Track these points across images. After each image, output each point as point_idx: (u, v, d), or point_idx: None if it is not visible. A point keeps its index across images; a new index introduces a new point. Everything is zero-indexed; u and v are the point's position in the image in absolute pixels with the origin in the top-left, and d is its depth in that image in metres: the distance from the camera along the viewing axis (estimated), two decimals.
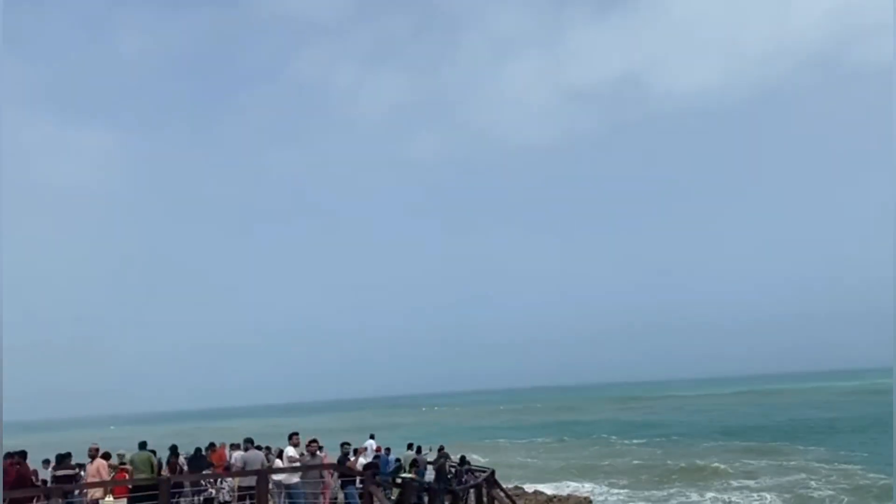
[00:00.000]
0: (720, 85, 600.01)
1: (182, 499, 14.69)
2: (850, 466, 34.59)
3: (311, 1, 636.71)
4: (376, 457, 18.12)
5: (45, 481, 14.37)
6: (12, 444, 14.81)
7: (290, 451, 14.35)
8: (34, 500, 12.99)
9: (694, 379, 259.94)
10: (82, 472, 15.25)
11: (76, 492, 13.33)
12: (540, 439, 61.24)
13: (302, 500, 13.68)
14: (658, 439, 53.88)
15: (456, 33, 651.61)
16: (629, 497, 31.69)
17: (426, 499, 16.25)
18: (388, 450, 19.26)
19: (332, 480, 14.74)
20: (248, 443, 16.17)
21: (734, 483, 32.79)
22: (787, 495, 29.52)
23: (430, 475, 18.75)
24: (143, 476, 14.07)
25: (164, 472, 15.22)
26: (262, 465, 14.37)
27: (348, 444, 16.87)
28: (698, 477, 34.94)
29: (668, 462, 40.51)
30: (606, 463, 42.69)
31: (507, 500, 20.40)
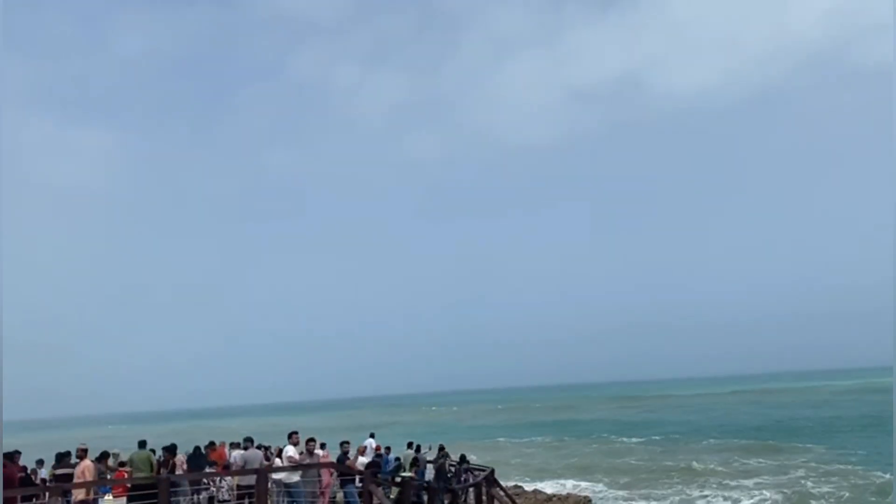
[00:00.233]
0: (720, 85, 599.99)
1: (182, 498, 14.67)
2: (848, 466, 34.63)
3: (311, 1, 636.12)
4: (377, 456, 18.14)
5: (44, 480, 14.37)
6: (12, 444, 14.82)
7: (290, 449, 14.34)
8: (32, 500, 12.98)
9: (693, 378, 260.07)
10: None
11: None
12: (539, 438, 61.22)
13: (302, 499, 13.69)
14: (657, 438, 53.90)
15: (456, 33, 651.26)
16: (628, 496, 31.70)
17: (425, 497, 16.27)
18: (387, 449, 19.27)
19: (332, 479, 14.75)
20: (248, 441, 16.20)
21: (733, 482, 32.79)
22: (786, 492, 29.57)
23: (430, 474, 18.75)
24: (142, 475, 14.08)
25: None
26: (262, 463, 14.38)
27: (347, 442, 16.90)
28: (697, 476, 34.96)
29: (668, 461, 40.53)
30: (606, 462, 42.70)
31: (506, 499, 20.41)
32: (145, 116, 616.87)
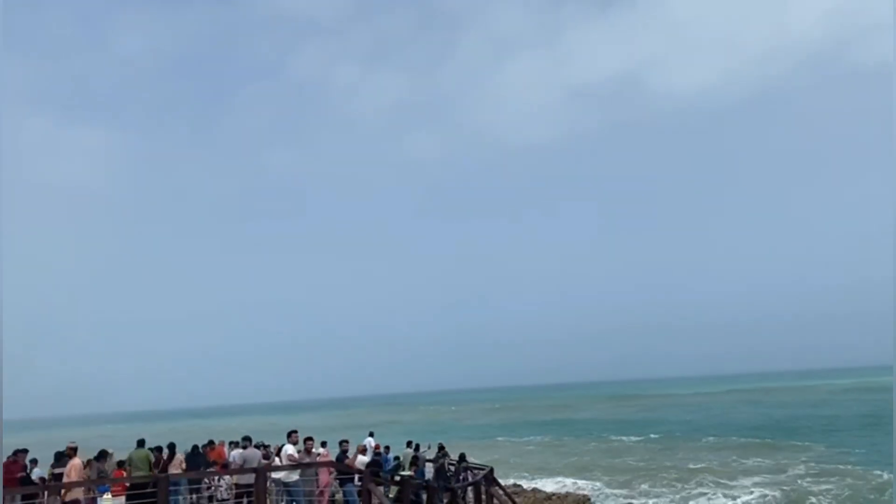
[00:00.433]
0: (719, 85, 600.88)
1: (180, 497, 14.67)
2: (847, 465, 34.66)
3: (311, 0, 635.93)
4: (377, 454, 18.15)
5: (43, 479, 14.36)
6: (12, 444, 14.79)
7: (289, 448, 14.34)
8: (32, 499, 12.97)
9: (692, 377, 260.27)
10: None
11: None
12: (538, 437, 61.29)
13: (301, 498, 13.69)
14: (656, 437, 53.97)
15: (455, 33, 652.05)
16: (627, 494, 31.74)
17: (425, 496, 16.27)
18: (387, 448, 19.28)
19: (330, 479, 14.74)
20: (247, 440, 16.19)
21: (732, 481, 32.82)
22: (784, 490, 29.59)
23: (429, 473, 18.76)
24: (141, 474, 14.08)
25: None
26: (260, 462, 14.37)
27: (346, 441, 16.90)
28: (696, 474, 34.99)
29: (667, 460, 40.58)
30: (605, 461, 42.73)
31: (505, 498, 20.39)
32: (145, 116, 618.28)
